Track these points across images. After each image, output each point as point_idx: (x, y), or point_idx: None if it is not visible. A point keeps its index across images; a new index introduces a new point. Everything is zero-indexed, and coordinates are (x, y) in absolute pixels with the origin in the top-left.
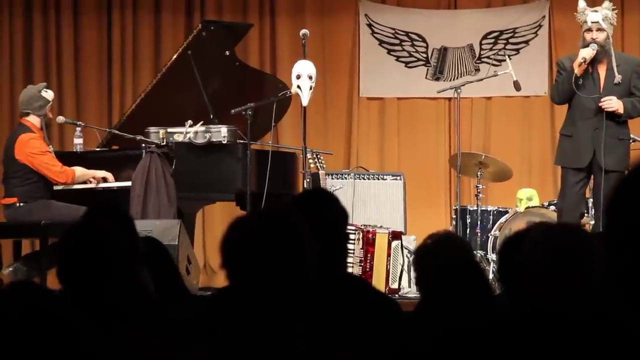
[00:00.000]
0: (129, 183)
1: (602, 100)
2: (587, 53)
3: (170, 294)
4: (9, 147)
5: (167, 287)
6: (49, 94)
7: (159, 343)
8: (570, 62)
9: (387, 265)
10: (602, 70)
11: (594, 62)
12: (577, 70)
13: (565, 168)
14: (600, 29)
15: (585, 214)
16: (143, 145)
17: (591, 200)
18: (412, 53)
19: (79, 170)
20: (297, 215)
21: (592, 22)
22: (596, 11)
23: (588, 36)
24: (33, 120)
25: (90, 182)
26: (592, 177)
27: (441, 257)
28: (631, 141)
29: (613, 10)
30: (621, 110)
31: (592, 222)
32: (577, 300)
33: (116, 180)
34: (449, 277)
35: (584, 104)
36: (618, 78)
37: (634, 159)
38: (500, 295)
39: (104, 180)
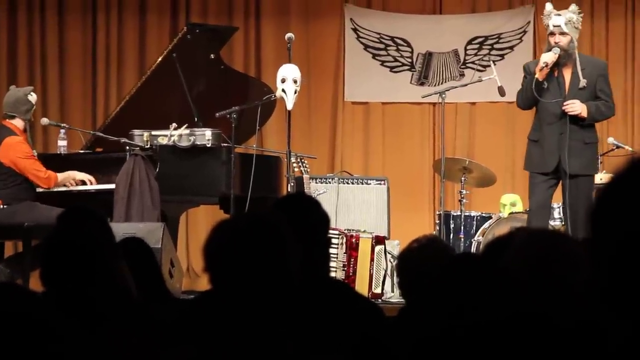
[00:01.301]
0: (112, 186)
1: (564, 104)
2: (548, 57)
3: (152, 295)
4: None
5: (149, 287)
6: (33, 98)
7: (142, 344)
8: (535, 67)
9: (370, 270)
10: (567, 74)
11: (558, 66)
12: (538, 75)
13: (532, 173)
14: (563, 33)
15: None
16: (127, 147)
17: (559, 205)
18: (397, 58)
19: (61, 175)
20: (280, 218)
21: (554, 26)
22: (559, 15)
23: (551, 40)
24: (17, 123)
25: (71, 184)
26: (559, 181)
27: (425, 262)
28: (614, 147)
29: (579, 14)
30: (584, 114)
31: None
32: (559, 305)
33: (100, 182)
34: (433, 282)
35: (549, 109)
36: (583, 82)
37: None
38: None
39: (82, 183)
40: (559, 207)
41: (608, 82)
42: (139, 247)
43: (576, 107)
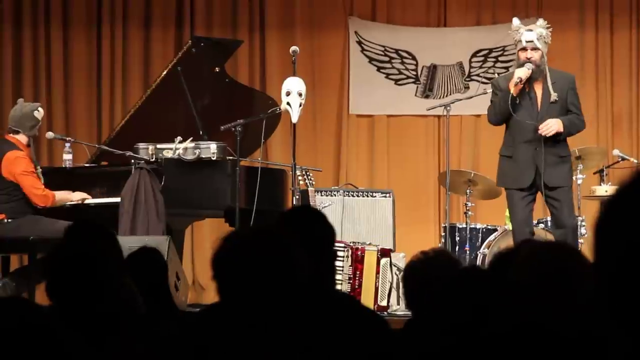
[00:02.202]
0: (118, 199)
1: (540, 127)
2: (522, 73)
3: (160, 307)
4: None
5: (157, 300)
6: (40, 114)
7: (148, 358)
8: (506, 82)
9: (376, 283)
10: (538, 89)
11: (530, 81)
12: (513, 90)
13: (509, 190)
14: (535, 48)
15: (542, 227)
16: (132, 161)
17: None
18: (401, 70)
19: (59, 195)
20: (288, 231)
21: (527, 42)
22: (531, 30)
23: (522, 55)
24: (21, 138)
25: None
26: (536, 196)
27: (431, 273)
28: (619, 159)
29: (547, 28)
30: (560, 129)
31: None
32: (565, 317)
33: (105, 196)
34: (439, 294)
35: (522, 124)
36: (554, 96)
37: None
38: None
39: (82, 202)
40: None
41: (577, 95)
42: (153, 257)
43: (552, 127)
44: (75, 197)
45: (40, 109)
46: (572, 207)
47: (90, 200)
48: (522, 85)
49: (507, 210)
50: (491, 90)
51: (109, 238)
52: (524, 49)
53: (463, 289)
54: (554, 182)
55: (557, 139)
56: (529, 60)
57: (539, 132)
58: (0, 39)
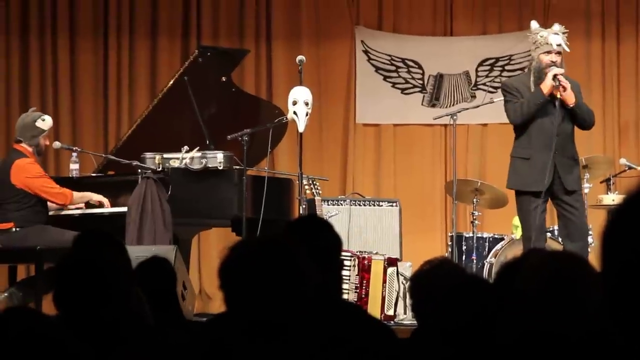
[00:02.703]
0: (124, 209)
1: (561, 81)
2: (560, 72)
3: (167, 317)
4: (2, 173)
5: (164, 308)
6: (45, 123)
7: None
8: (520, 85)
9: (382, 292)
10: (557, 93)
11: (539, 84)
12: (546, 91)
13: (522, 193)
14: (558, 52)
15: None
16: (139, 170)
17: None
18: (408, 80)
19: (77, 194)
20: (295, 240)
21: (557, 45)
22: (557, 34)
23: (547, 58)
24: (26, 147)
25: (85, 205)
26: (547, 202)
27: (437, 283)
28: (626, 168)
29: (564, 34)
30: (573, 100)
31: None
32: (572, 325)
33: (112, 205)
34: (443, 303)
35: (542, 126)
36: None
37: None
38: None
39: (100, 204)
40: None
41: None
42: (162, 266)
43: (569, 87)
44: (96, 197)
45: (45, 118)
46: (585, 213)
47: (97, 210)
48: (557, 85)
49: (515, 219)
50: (501, 96)
51: (118, 247)
52: (550, 52)
53: (467, 298)
54: (574, 186)
55: (573, 141)
56: (553, 63)
57: (559, 82)
58: (7, 49)
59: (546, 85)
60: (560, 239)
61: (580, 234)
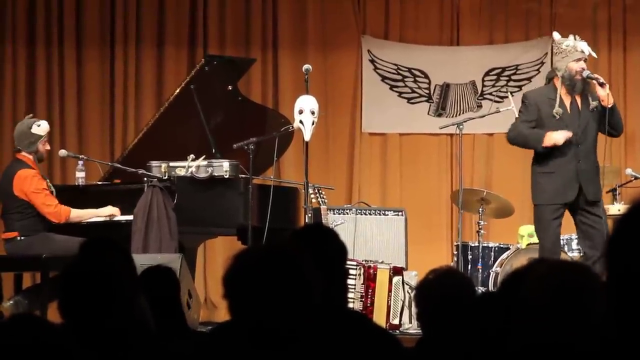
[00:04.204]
0: (130, 217)
1: (603, 100)
2: (563, 139)
3: (171, 326)
4: (6, 182)
5: (169, 318)
6: (41, 129)
7: None
8: (542, 99)
9: (388, 301)
10: (578, 99)
11: (573, 93)
12: (548, 144)
13: (541, 207)
14: (586, 60)
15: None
16: (145, 179)
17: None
18: (414, 89)
19: (76, 212)
20: (300, 249)
21: (587, 53)
22: (583, 41)
23: (576, 65)
24: (27, 156)
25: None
26: (564, 212)
27: (443, 292)
28: (632, 178)
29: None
30: (612, 100)
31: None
32: (578, 334)
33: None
34: (451, 313)
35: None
36: (594, 104)
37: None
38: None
39: (111, 218)
40: (576, 238)
41: None
42: (166, 275)
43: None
44: (103, 212)
45: (41, 123)
46: (606, 223)
47: (101, 218)
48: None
49: (520, 228)
50: (507, 105)
51: (123, 255)
52: (579, 59)
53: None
54: (595, 196)
55: (595, 148)
56: (582, 70)
57: (603, 104)
58: (14, 59)
59: (552, 139)
60: (567, 250)
61: (601, 243)
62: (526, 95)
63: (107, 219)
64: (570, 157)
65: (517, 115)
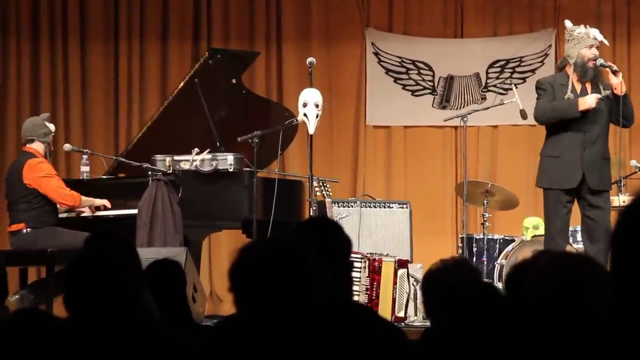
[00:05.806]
0: (135, 211)
1: (616, 88)
2: (594, 101)
3: (176, 319)
4: (14, 173)
5: (174, 312)
6: (52, 126)
7: None
8: (555, 82)
9: (393, 294)
10: (588, 86)
11: (584, 79)
12: (583, 108)
13: (551, 190)
14: (597, 46)
15: (572, 243)
16: (149, 173)
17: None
18: (418, 81)
19: (84, 197)
20: (305, 242)
21: (600, 40)
22: (595, 29)
23: (589, 52)
24: (37, 147)
25: (92, 210)
26: (574, 201)
27: (450, 281)
28: (637, 170)
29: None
30: (624, 89)
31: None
32: (582, 325)
33: (122, 208)
34: (458, 303)
35: (574, 124)
36: (605, 92)
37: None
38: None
39: (104, 207)
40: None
41: None
42: (171, 268)
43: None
44: (97, 201)
45: (49, 122)
46: (609, 214)
47: (107, 212)
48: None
49: (525, 220)
50: (511, 97)
51: (128, 249)
52: (592, 45)
53: (480, 298)
54: (599, 186)
55: (605, 139)
56: (596, 57)
57: (616, 92)
58: (18, 53)
59: (586, 103)
60: (572, 242)
61: (601, 235)
62: (540, 81)
63: (102, 207)
64: (577, 143)
65: (521, 107)
